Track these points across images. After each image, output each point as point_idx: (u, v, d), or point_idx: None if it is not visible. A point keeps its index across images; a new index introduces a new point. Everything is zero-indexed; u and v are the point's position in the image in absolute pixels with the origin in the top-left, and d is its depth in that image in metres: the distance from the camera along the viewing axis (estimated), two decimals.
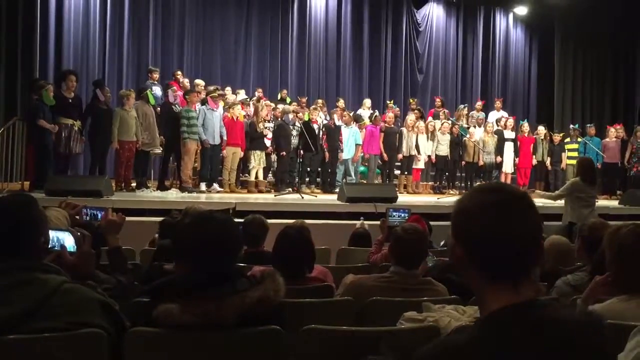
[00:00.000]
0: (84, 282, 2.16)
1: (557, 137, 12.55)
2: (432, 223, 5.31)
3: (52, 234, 2.47)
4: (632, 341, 1.40)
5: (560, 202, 6.94)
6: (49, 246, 2.33)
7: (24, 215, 2.09)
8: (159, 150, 9.92)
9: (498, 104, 13.67)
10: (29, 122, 8.59)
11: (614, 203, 10.80)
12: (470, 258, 1.23)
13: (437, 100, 13.45)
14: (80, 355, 1.91)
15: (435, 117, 12.72)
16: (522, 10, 15.68)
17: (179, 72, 11.49)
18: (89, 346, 1.93)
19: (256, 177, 10.50)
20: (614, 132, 12.43)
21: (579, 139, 12.43)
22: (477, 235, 1.22)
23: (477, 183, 12.38)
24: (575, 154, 11.98)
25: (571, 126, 12.94)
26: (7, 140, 8.46)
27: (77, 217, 3.45)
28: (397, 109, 13.00)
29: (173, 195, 9.22)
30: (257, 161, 10.44)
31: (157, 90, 10.56)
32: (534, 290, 1.26)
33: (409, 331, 2.42)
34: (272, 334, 2.07)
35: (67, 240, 2.55)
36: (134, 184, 9.54)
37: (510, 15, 16.35)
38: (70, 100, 8.88)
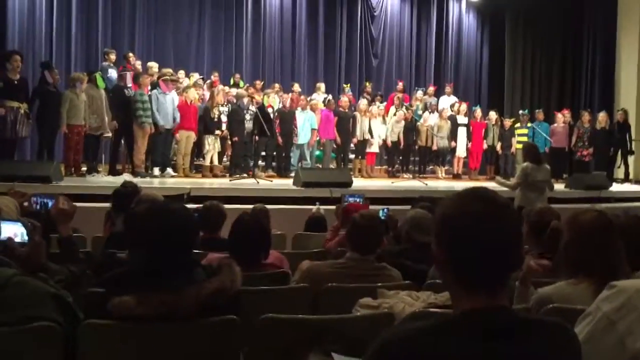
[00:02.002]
0: (35, 274, 2.12)
1: (507, 122, 12.84)
2: (387, 207, 5.40)
3: (3, 225, 2.41)
4: (578, 327, 1.46)
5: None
6: None
7: None
8: (109, 134, 9.67)
9: (448, 89, 13.82)
10: None
11: (560, 187, 11.12)
12: (450, 262, 1.26)
13: (400, 84, 13.55)
14: (33, 349, 1.88)
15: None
16: None
17: (131, 54, 11.19)
18: (42, 340, 1.90)
19: (211, 161, 10.40)
20: (562, 118, 12.78)
21: (529, 124, 12.75)
22: (457, 243, 1.24)
23: (431, 167, 12.65)
24: (525, 138, 12.23)
25: (520, 112, 13.26)
26: None
27: (26, 204, 3.36)
28: (351, 94, 13.04)
29: (125, 180, 9.03)
30: (212, 145, 10.34)
31: (113, 72, 10.30)
32: (508, 300, 1.30)
33: (364, 318, 2.46)
34: (229, 324, 2.07)
35: (19, 231, 2.48)
36: (84, 169, 9.33)
37: (463, 1, 16.54)
38: (16, 82, 8.56)
